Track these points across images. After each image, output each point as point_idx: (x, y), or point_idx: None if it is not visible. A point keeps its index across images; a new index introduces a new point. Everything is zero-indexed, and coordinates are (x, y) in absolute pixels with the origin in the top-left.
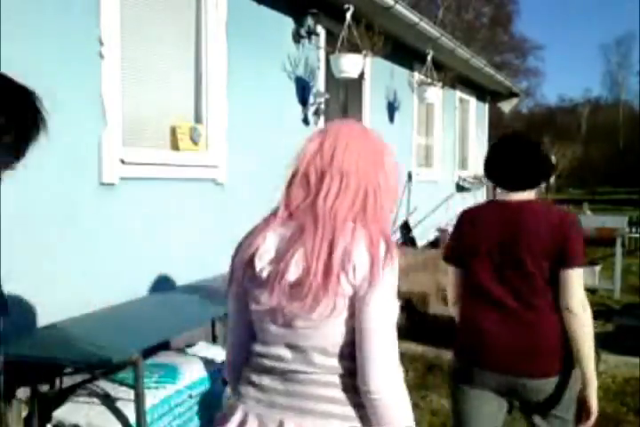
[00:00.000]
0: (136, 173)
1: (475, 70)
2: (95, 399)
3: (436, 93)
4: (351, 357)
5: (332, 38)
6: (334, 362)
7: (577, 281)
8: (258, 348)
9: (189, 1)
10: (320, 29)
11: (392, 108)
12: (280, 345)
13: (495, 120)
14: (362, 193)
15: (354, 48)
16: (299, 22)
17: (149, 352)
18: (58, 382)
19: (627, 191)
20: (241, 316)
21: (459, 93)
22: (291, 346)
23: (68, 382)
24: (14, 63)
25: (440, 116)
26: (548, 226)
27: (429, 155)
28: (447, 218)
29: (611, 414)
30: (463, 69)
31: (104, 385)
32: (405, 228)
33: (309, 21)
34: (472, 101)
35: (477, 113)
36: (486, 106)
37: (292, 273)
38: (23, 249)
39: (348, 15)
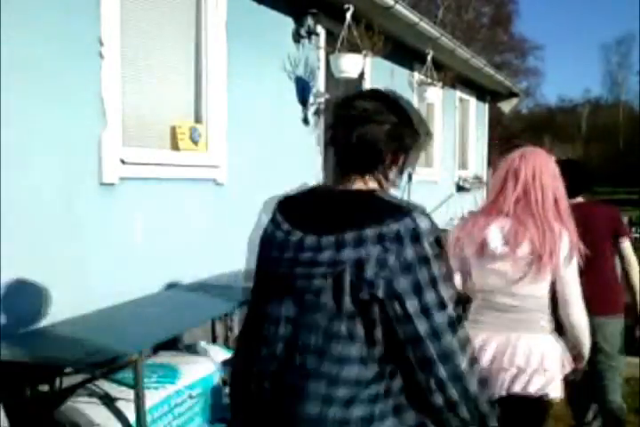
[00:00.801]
0: (136, 173)
1: (475, 70)
2: (95, 399)
3: (436, 93)
4: (545, 298)
5: (331, 38)
6: (540, 301)
7: (629, 248)
8: (480, 295)
9: (189, 1)
10: (320, 29)
11: None
12: (502, 294)
13: (495, 120)
14: (553, 199)
15: (354, 48)
16: (299, 22)
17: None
18: (58, 382)
19: (627, 191)
20: (460, 273)
21: (459, 93)
22: (510, 294)
23: (68, 382)
24: (14, 63)
25: (440, 116)
26: (607, 218)
27: (429, 155)
28: (447, 218)
29: None
30: (463, 69)
31: (104, 385)
32: None
33: (309, 21)
34: (472, 101)
35: (477, 113)
36: (486, 106)
37: (522, 251)
38: (23, 249)
39: (348, 15)
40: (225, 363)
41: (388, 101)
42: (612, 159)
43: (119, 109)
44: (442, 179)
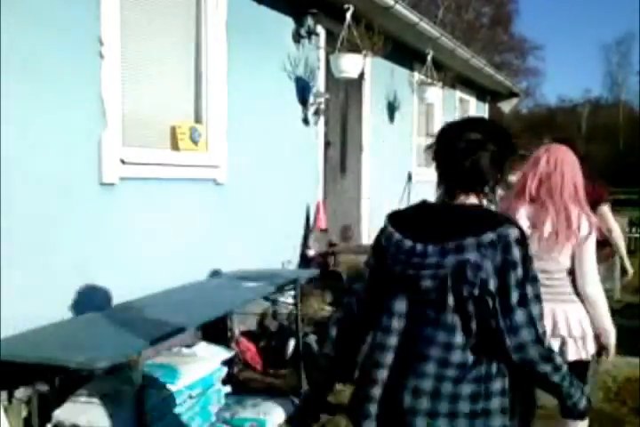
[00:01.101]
0: (136, 173)
1: (475, 70)
2: (95, 399)
3: (436, 93)
4: (569, 273)
5: (331, 38)
6: (565, 275)
7: (607, 212)
8: None
9: (189, 1)
10: (320, 29)
11: (392, 108)
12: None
13: (495, 120)
14: (573, 186)
15: (354, 48)
16: (299, 22)
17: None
18: (58, 382)
19: (627, 191)
20: None
21: (459, 93)
22: (542, 270)
23: (67, 382)
24: (14, 63)
25: (440, 116)
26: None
27: (429, 155)
28: None
29: (611, 414)
30: (463, 69)
31: (104, 385)
32: None
33: (309, 21)
34: (472, 101)
35: (477, 113)
36: (486, 106)
37: (545, 231)
38: (23, 249)
39: (348, 15)
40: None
41: (490, 132)
42: (612, 159)
43: (119, 109)
44: None
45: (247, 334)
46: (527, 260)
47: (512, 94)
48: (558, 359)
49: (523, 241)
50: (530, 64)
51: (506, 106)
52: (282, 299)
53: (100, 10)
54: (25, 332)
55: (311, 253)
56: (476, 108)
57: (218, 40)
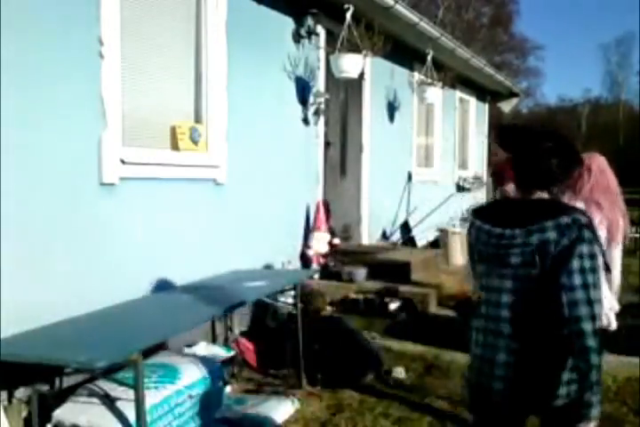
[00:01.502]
0: (136, 173)
1: (475, 70)
2: (95, 399)
3: (436, 93)
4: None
5: (331, 38)
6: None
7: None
8: None
9: (189, 1)
10: (320, 29)
11: (392, 108)
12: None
13: (495, 120)
14: (615, 191)
15: (354, 48)
16: (299, 22)
17: (148, 352)
18: (58, 382)
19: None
20: None
21: (459, 93)
22: None
23: (68, 382)
24: (15, 63)
25: (440, 116)
26: None
27: (429, 155)
28: (447, 218)
29: (611, 414)
30: (463, 69)
31: (104, 385)
32: (405, 228)
33: (309, 21)
34: (472, 101)
35: (477, 113)
36: (486, 106)
37: (599, 228)
38: (23, 249)
39: (348, 15)
40: None
41: (559, 142)
42: (613, 159)
43: (119, 109)
44: (442, 179)
45: (247, 334)
46: (593, 240)
47: (512, 94)
48: (598, 308)
49: (590, 226)
50: (530, 64)
51: (506, 106)
52: (282, 299)
53: (100, 10)
54: (25, 332)
55: (311, 253)
56: (476, 108)
57: (218, 40)
